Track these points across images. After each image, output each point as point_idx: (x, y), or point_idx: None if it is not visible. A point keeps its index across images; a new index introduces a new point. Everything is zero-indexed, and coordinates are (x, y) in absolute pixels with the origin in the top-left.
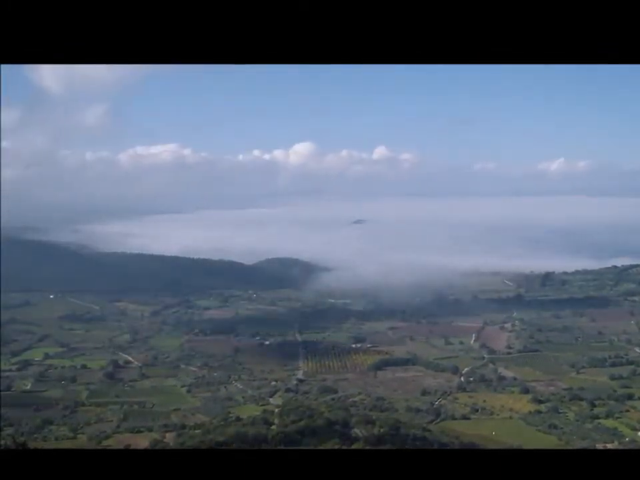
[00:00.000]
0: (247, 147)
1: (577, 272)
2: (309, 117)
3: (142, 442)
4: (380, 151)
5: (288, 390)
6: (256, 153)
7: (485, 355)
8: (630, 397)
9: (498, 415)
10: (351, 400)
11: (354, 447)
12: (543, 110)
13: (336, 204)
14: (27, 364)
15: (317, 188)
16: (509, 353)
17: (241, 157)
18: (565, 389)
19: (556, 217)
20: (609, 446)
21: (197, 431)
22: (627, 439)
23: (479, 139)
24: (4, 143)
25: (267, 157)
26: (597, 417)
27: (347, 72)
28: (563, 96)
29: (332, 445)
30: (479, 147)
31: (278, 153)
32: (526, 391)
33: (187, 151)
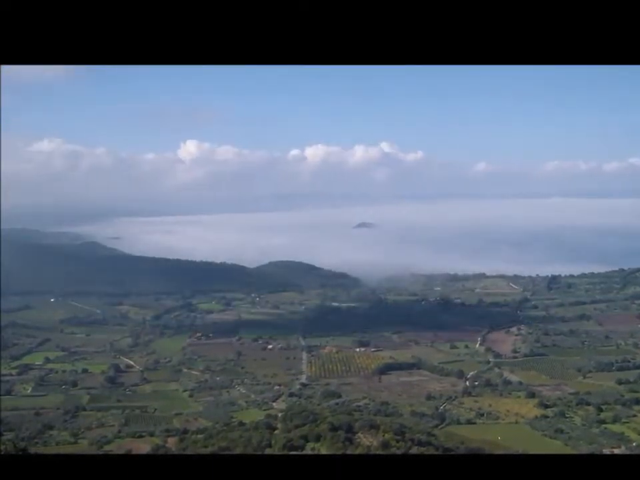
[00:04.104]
0: (249, 147)
1: (583, 275)
2: (310, 118)
3: (143, 447)
4: (384, 152)
5: (291, 394)
6: (258, 154)
7: (491, 359)
8: (637, 401)
9: (503, 419)
10: (355, 404)
11: (358, 452)
12: (545, 111)
13: (339, 207)
14: (27, 368)
15: (320, 190)
16: (515, 357)
17: (242, 158)
18: (571, 394)
19: (559, 219)
20: (616, 451)
21: (199, 436)
22: (634, 444)
23: (483, 140)
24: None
25: (269, 158)
26: (604, 422)
27: (352, 72)
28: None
29: (336, 449)
30: (483, 148)
31: (279, 155)
32: (532, 395)
33: (182, 152)
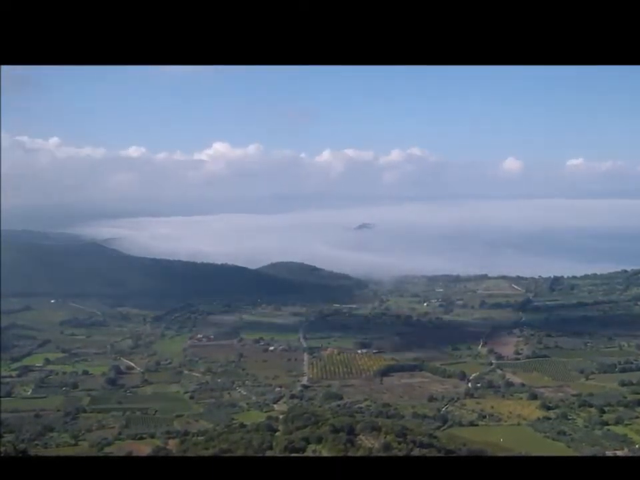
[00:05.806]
0: (249, 148)
1: (585, 276)
2: (309, 119)
3: (144, 449)
4: (385, 153)
5: (292, 396)
6: (258, 154)
7: (493, 361)
8: None
9: (506, 421)
10: (356, 406)
11: (359, 454)
12: (554, 111)
13: (340, 208)
14: (27, 370)
15: (321, 191)
16: (517, 359)
17: (240, 160)
18: (573, 395)
19: (562, 219)
20: (619, 453)
21: (200, 438)
22: (636, 446)
23: (489, 141)
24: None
25: (271, 159)
26: (607, 424)
27: (354, 73)
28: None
29: (337, 451)
30: (487, 150)
31: (280, 155)
32: (534, 397)
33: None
